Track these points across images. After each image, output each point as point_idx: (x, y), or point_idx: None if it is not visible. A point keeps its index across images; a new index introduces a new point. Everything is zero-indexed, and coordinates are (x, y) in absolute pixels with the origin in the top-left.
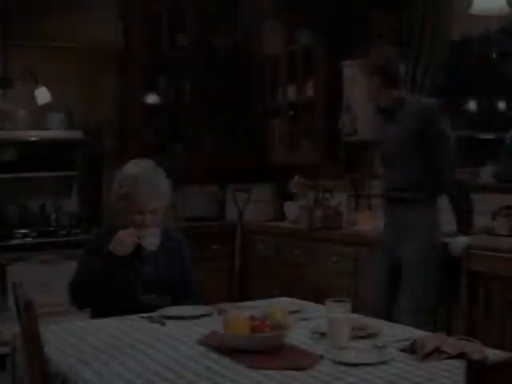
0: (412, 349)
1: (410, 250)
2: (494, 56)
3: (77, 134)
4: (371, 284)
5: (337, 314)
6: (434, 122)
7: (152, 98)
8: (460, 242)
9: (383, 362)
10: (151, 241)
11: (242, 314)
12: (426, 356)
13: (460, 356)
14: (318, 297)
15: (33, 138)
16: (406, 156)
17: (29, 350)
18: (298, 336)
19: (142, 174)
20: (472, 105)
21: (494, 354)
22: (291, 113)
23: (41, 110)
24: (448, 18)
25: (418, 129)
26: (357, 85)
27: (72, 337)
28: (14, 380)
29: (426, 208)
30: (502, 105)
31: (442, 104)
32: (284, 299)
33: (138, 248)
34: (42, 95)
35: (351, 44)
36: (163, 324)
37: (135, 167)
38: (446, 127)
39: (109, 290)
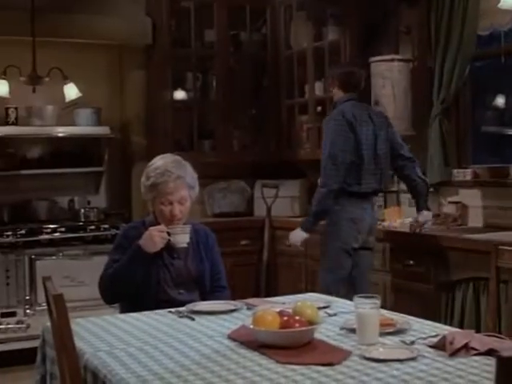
0: (440, 345)
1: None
2: None
3: (104, 130)
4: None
5: (366, 309)
6: None
7: (179, 95)
8: (426, 215)
9: (412, 359)
10: (182, 238)
11: (270, 309)
12: (455, 352)
13: (489, 353)
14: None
15: (61, 134)
16: None
17: (59, 344)
18: (326, 331)
19: (168, 165)
20: (500, 100)
21: None
22: (319, 109)
23: (69, 106)
24: (476, 12)
25: None
26: (386, 80)
27: (101, 331)
28: (45, 373)
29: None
30: None
31: None
32: (312, 294)
33: (169, 243)
34: (71, 91)
35: (379, 40)
36: (193, 319)
37: (162, 159)
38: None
39: (138, 284)
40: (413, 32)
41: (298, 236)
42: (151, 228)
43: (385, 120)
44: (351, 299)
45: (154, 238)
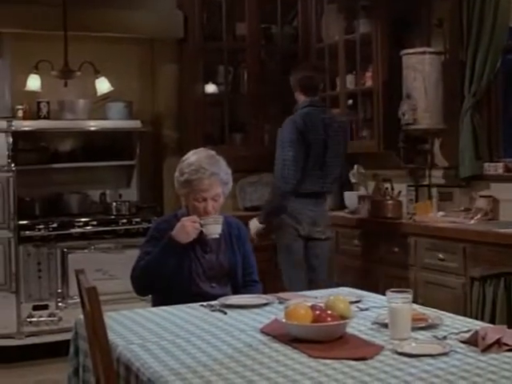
0: (473, 340)
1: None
2: None
3: (136, 124)
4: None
5: (398, 304)
6: None
7: (211, 88)
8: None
9: (444, 354)
10: (214, 228)
11: (303, 303)
12: (487, 348)
13: None
14: (378, 287)
15: (92, 128)
16: None
17: (92, 337)
18: (358, 326)
19: (202, 161)
20: None
21: None
22: (350, 102)
23: (101, 100)
24: (508, 4)
25: None
26: (417, 73)
27: (134, 324)
28: (77, 365)
29: None
30: None
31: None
32: (344, 289)
33: (201, 236)
34: (102, 85)
35: (411, 32)
36: (225, 313)
37: (196, 155)
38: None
39: (170, 276)
40: (444, 24)
41: (253, 225)
42: (184, 218)
43: (339, 126)
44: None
45: (186, 228)
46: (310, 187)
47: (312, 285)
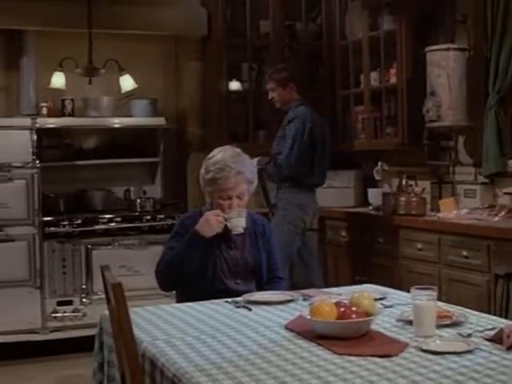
0: (497, 338)
1: None
2: None
3: (160, 121)
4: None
5: (423, 301)
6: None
7: (235, 85)
8: None
9: (469, 352)
10: (238, 222)
11: (327, 300)
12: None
13: None
14: (401, 284)
15: (117, 125)
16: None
17: (117, 332)
18: (382, 323)
19: (228, 159)
20: None
21: None
22: (374, 99)
23: (125, 97)
24: None
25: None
26: (441, 70)
27: (158, 320)
28: (102, 361)
29: None
30: None
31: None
32: (368, 286)
33: (225, 232)
34: (126, 83)
35: (435, 29)
36: (249, 309)
37: (222, 153)
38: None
39: (194, 271)
40: (469, 21)
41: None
42: (207, 212)
43: (327, 123)
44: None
45: (210, 222)
46: (315, 181)
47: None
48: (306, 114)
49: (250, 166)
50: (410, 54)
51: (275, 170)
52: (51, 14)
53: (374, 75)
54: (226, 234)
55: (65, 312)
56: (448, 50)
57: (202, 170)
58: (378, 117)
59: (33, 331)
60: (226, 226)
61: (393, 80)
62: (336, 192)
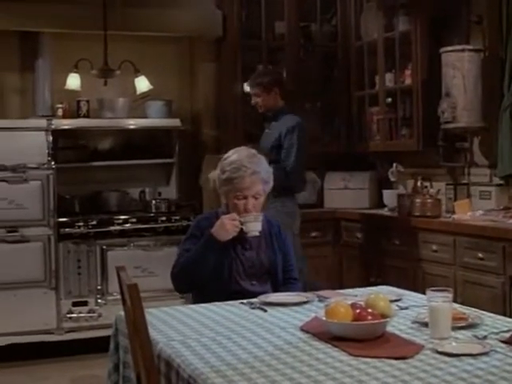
0: None
1: None
2: None
3: (175, 123)
4: None
5: (438, 303)
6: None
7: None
8: None
9: (484, 354)
10: (254, 226)
11: (343, 302)
12: None
13: None
14: (416, 286)
15: (132, 127)
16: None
17: (133, 333)
18: (398, 325)
19: (244, 159)
20: None
21: None
22: (389, 100)
23: (140, 98)
24: None
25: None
26: (456, 71)
27: (174, 321)
28: (118, 361)
29: None
30: None
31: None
32: (383, 287)
33: (241, 233)
34: (142, 84)
35: (450, 29)
36: (265, 310)
37: (237, 153)
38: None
39: (210, 273)
40: (484, 21)
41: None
42: (223, 216)
43: None
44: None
45: (225, 226)
46: (303, 188)
47: None
48: (303, 124)
49: (265, 167)
50: (425, 55)
51: (283, 179)
52: (67, 15)
53: (389, 76)
54: (241, 236)
55: (80, 313)
56: (463, 50)
57: (218, 171)
58: (393, 118)
59: (48, 332)
60: (241, 228)
61: (408, 81)
62: (351, 193)
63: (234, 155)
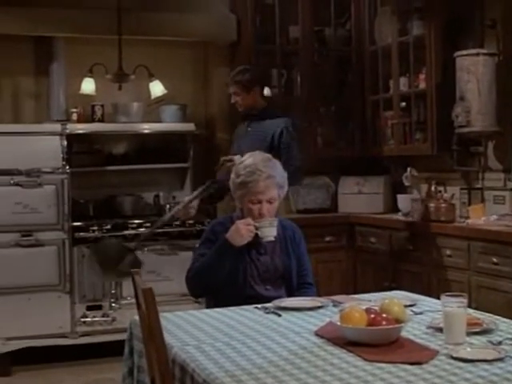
0: None
1: None
2: None
3: (189, 127)
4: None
5: (453, 308)
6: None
7: (264, 91)
8: None
9: (499, 359)
10: (269, 231)
11: (357, 307)
12: None
13: None
14: (430, 290)
15: (146, 131)
16: None
17: (147, 337)
18: (412, 330)
19: (258, 163)
20: None
21: None
22: (403, 104)
23: (154, 103)
24: None
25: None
26: (471, 75)
27: (189, 325)
28: (132, 366)
29: None
30: None
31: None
32: (398, 292)
33: (256, 238)
34: (156, 88)
35: (464, 33)
36: (279, 315)
37: (252, 157)
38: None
39: (224, 278)
40: (498, 25)
41: None
42: (238, 221)
43: None
44: None
45: (240, 231)
46: None
47: None
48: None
49: (280, 171)
50: (439, 59)
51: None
52: (81, 20)
53: (403, 80)
54: (256, 241)
55: (94, 317)
56: (477, 55)
57: (233, 175)
58: (407, 122)
59: (62, 335)
60: (256, 234)
61: (422, 85)
62: (365, 198)
63: (249, 159)
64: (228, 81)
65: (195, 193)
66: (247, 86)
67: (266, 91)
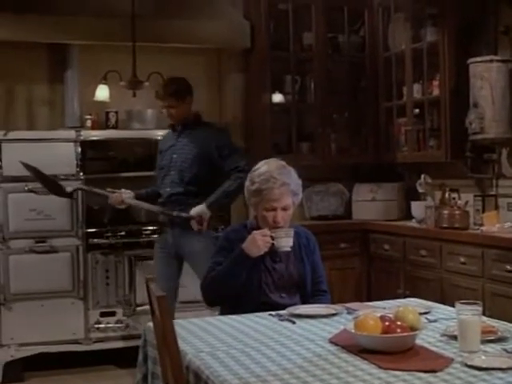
0: None
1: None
2: None
3: None
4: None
5: (468, 316)
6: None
7: (278, 97)
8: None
9: None
10: (285, 241)
11: (372, 314)
12: None
13: None
14: (444, 298)
15: (160, 138)
16: (196, 166)
17: (162, 344)
18: (427, 338)
19: (273, 171)
20: None
21: None
22: (417, 111)
23: None
24: None
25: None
26: (484, 82)
27: (203, 332)
28: (146, 372)
29: None
30: None
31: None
32: (412, 300)
33: (271, 247)
34: None
35: (477, 40)
36: (294, 322)
37: (267, 165)
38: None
39: (239, 288)
40: (511, 32)
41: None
42: (255, 232)
43: None
44: None
45: (257, 243)
46: None
47: None
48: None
49: (294, 178)
50: (452, 66)
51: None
52: (95, 27)
53: (416, 87)
54: (271, 249)
55: (108, 323)
56: (491, 61)
57: (247, 182)
58: (420, 129)
59: (76, 342)
60: (272, 243)
61: (436, 92)
62: (379, 205)
63: (264, 167)
64: (241, 88)
65: (157, 208)
66: (182, 96)
67: (279, 98)
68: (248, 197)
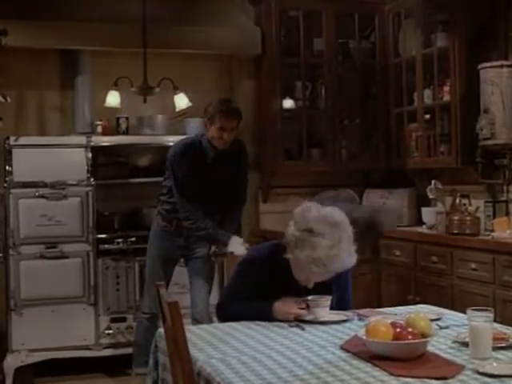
0: None
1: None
2: None
3: None
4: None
5: (479, 323)
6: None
7: (289, 103)
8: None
9: None
10: (321, 312)
11: (383, 321)
12: None
13: None
14: (455, 304)
15: (171, 143)
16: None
17: (173, 350)
18: (438, 344)
19: (322, 255)
20: None
21: None
22: (427, 117)
23: (179, 115)
24: None
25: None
26: (495, 87)
27: (213, 338)
28: (157, 378)
29: None
30: None
31: None
32: (423, 306)
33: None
34: (181, 101)
35: (488, 45)
36: (303, 329)
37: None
38: None
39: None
40: None
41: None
42: (290, 302)
43: None
44: None
45: (289, 315)
46: None
47: None
48: None
49: (347, 248)
50: (463, 71)
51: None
52: (106, 34)
53: (427, 93)
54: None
55: (118, 329)
56: (501, 66)
57: (292, 227)
58: (431, 135)
59: (86, 347)
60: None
61: (446, 97)
62: None
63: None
64: (252, 94)
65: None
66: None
67: (290, 103)
68: (294, 245)
